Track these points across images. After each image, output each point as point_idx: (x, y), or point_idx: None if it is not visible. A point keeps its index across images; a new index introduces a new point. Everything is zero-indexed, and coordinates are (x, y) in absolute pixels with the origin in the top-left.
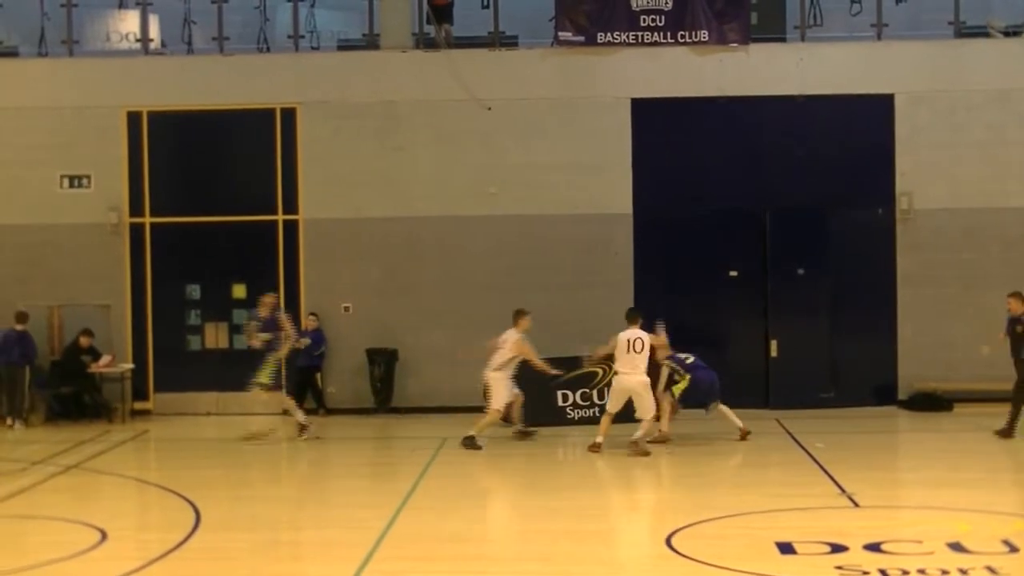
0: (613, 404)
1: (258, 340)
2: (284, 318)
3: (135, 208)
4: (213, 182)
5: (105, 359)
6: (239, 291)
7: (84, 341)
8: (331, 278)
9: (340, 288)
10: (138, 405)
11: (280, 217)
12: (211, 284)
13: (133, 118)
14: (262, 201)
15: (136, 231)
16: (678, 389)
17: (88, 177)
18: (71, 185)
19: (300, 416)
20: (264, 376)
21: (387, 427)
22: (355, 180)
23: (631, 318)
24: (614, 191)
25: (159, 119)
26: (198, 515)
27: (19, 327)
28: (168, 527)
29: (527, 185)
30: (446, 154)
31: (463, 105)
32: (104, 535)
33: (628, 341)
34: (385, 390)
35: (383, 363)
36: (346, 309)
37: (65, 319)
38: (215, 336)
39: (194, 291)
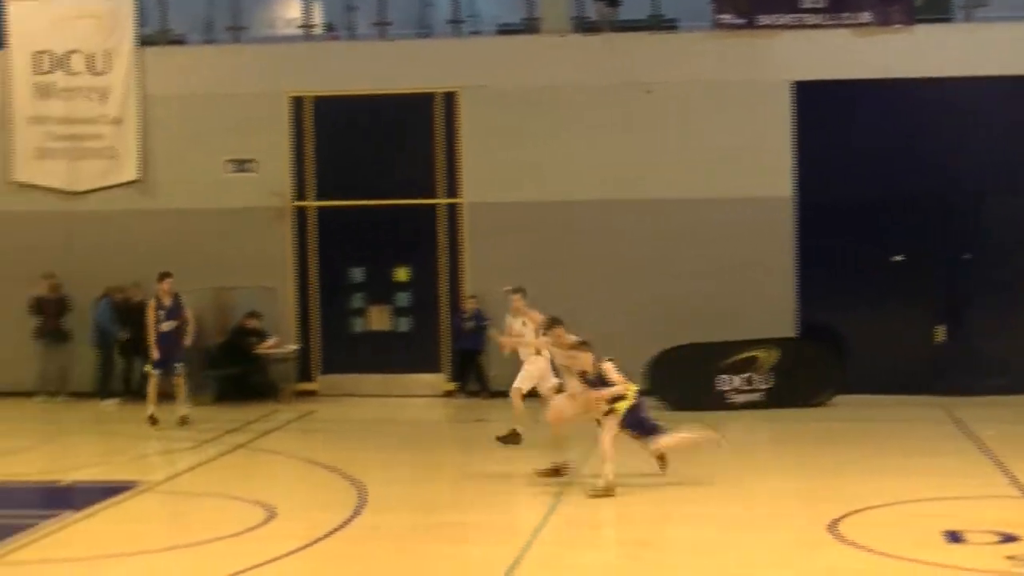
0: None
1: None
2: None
3: (299, 192)
4: (375, 166)
5: (271, 340)
6: (402, 274)
7: (250, 323)
8: (492, 261)
9: (501, 271)
10: (304, 386)
11: (442, 200)
12: (374, 267)
13: (297, 103)
14: (424, 185)
15: (300, 215)
16: (623, 407)
17: (254, 162)
18: (237, 170)
19: None
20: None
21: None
22: (515, 164)
23: None
24: (774, 175)
25: (322, 104)
26: (363, 495)
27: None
28: (334, 507)
29: (685, 169)
30: (605, 138)
31: (622, 88)
32: (271, 513)
33: None
34: None
35: None
36: (508, 292)
37: (231, 301)
38: (378, 318)
39: (357, 274)
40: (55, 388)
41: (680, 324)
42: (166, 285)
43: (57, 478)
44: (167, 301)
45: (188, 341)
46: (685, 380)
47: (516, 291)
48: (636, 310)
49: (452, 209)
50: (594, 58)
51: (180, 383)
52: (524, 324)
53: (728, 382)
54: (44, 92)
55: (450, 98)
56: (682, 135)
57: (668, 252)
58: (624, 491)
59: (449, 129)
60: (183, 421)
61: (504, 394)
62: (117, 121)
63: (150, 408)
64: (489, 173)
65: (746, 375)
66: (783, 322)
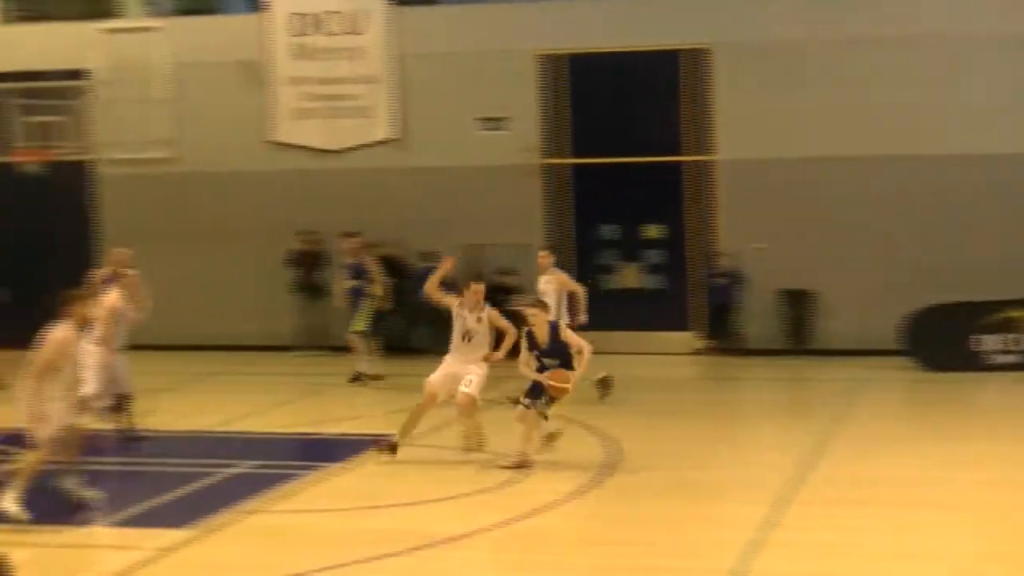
0: None
1: (345, 286)
2: (371, 262)
3: (549, 149)
4: (625, 123)
5: (525, 298)
6: (652, 231)
7: (505, 280)
8: (745, 218)
9: (753, 228)
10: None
11: (694, 157)
12: (625, 224)
13: (548, 61)
14: (675, 142)
15: (552, 172)
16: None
17: (506, 119)
18: (489, 128)
19: None
20: (360, 323)
21: (802, 369)
22: (768, 121)
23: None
24: None
25: (572, 61)
26: (616, 453)
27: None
28: (587, 464)
29: (946, 124)
30: (860, 94)
31: (876, 42)
32: (526, 469)
33: None
34: (800, 331)
35: (798, 304)
36: (759, 250)
37: (485, 258)
38: (629, 275)
39: (608, 231)
40: (311, 342)
41: (936, 284)
42: (349, 244)
43: (317, 431)
44: (350, 260)
45: (376, 302)
46: (941, 340)
47: (545, 249)
48: (891, 269)
49: (705, 166)
50: (847, 9)
51: (352, 340)
52: (547, 283)
53: (986, 343)
54: (302, 53)
55: (702, 54)
56: (943, 89)
57: (926, 209)
58: (879, 453)
59: (701, 86)
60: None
61: (759, 352)
62: (372, 80)
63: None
64: (743, 130)
65: (1006, 335)
66: None
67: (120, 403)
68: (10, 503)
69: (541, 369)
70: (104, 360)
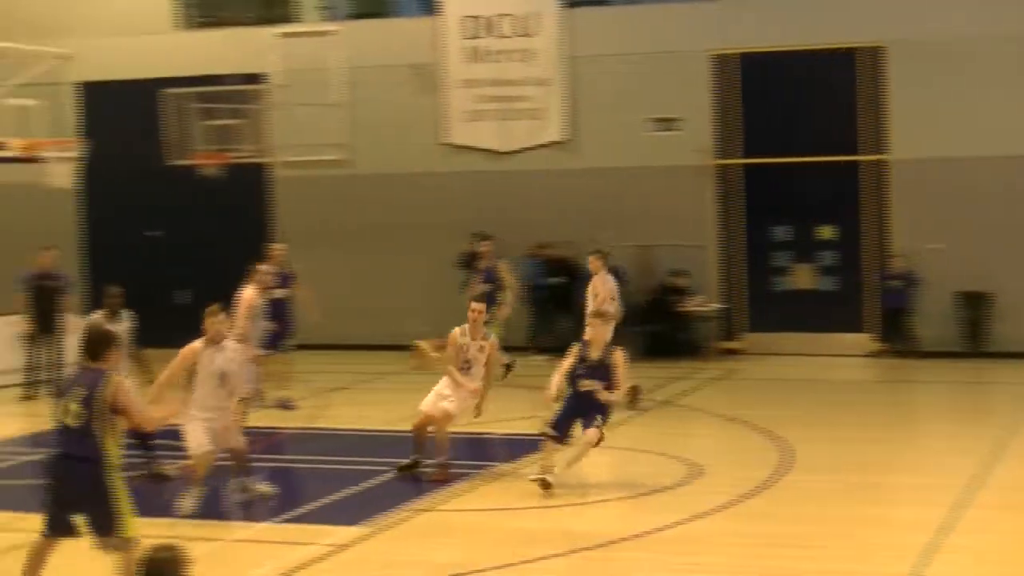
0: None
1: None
2: (503, 267)
3: (723, 150)
4: (798, 123)
5: (696, 299)
6: (826, 232)
7: (676, 281)
8: (920, 219)
9: (929, 229)
10: (727, 344)
11: (868, 157)
12: (798, 225)
13: (720, 61)
14: (849, 141)
15: (724, 172)
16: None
17: (677, 120)
18: (661, 129)
19: None
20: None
21: (979, 372)
22: (944, 119)
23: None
24: None
25: (744, 61)
26: (787, 454)
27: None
28: (758, 465)
29: None
30: None
31: None
32: (697, 470)
33: None
34: (977, 334)
35: (975, 306)
36: (935, 250)
37: (656, 259)
38: (802, 277)
39: (781, 232)
40: None
41: None
42: (483, 248)
43: (491, 430)
44: (483, 264)
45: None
46: None
47: (594, 253)
48: None
49: (880, 166)
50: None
51: None
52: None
53: None
54: (474, 55)
55: (876, 53)
56: None
57: None
58: None
59: (875, 84)
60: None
61: (934, 355)
62: (543, 82)
63: None
64: (918, 129)
65: None
66: None
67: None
68: (188, 500)
69: (575, 382)
70: (248, 356)
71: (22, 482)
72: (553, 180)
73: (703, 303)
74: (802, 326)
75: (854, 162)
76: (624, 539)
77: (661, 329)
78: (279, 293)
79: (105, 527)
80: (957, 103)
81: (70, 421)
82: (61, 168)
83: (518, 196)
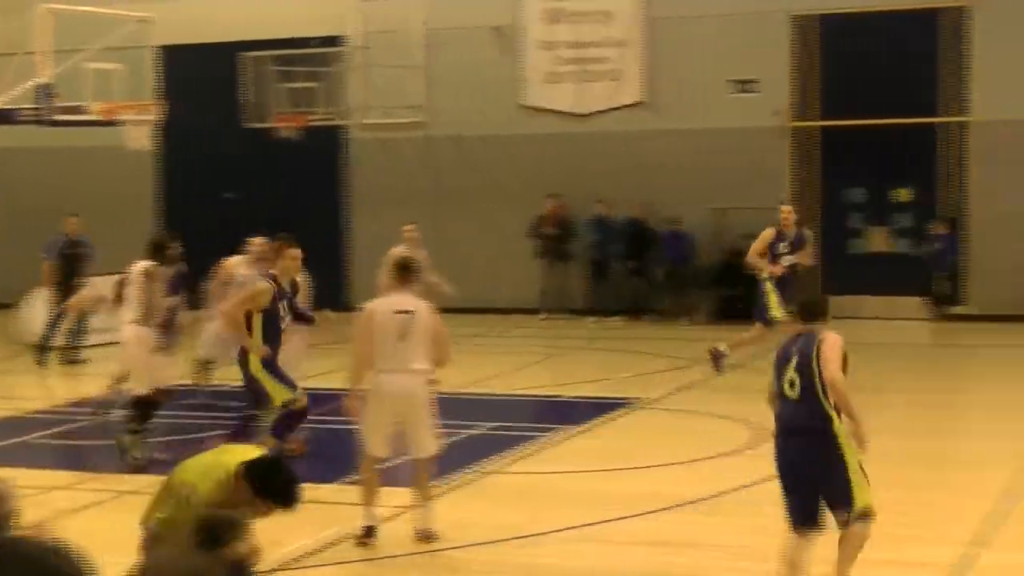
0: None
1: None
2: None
3: (800, 111)
4: (877, 85)
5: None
6: (903, 195)
7: (748, 244)
8: (1000, 180)
9: (1009, 191)
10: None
11: (946, 119)
12: (874, 187)
13: (799, 22)
14: (928, 103)
15: (801, 134)
16: None
17: (756, 82)
18: (739, 90)
19: None
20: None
21: None
22: None
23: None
24: None
25: (824, 22)
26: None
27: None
28: None
29: None
30: None
31: None
32: (762, 433)
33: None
34: None
35: None
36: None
37: (731, 222)
38: (879, 240)
39: (857, 194)
40: (557, 305)
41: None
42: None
43: (559, 393)
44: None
45: None
46: None
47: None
48: None
49: (957, 128)
50: None
51: None
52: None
53: None
54: (553, 17)
55: (960, 12)
56: None
57: None
58: None
59: (957, 45)
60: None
61: (1006, 318)
62: (622, 43)
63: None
64: (999, 90)
65: None
66: None
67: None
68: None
69: None
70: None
71: (89, 443)
72: (630, 142)
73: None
74: (877, 289)
75: (932, 124)
76: (690, 502)
77: (734, 292)
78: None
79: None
80: None
81: None
82: (139, 131)
83: (595, 158)
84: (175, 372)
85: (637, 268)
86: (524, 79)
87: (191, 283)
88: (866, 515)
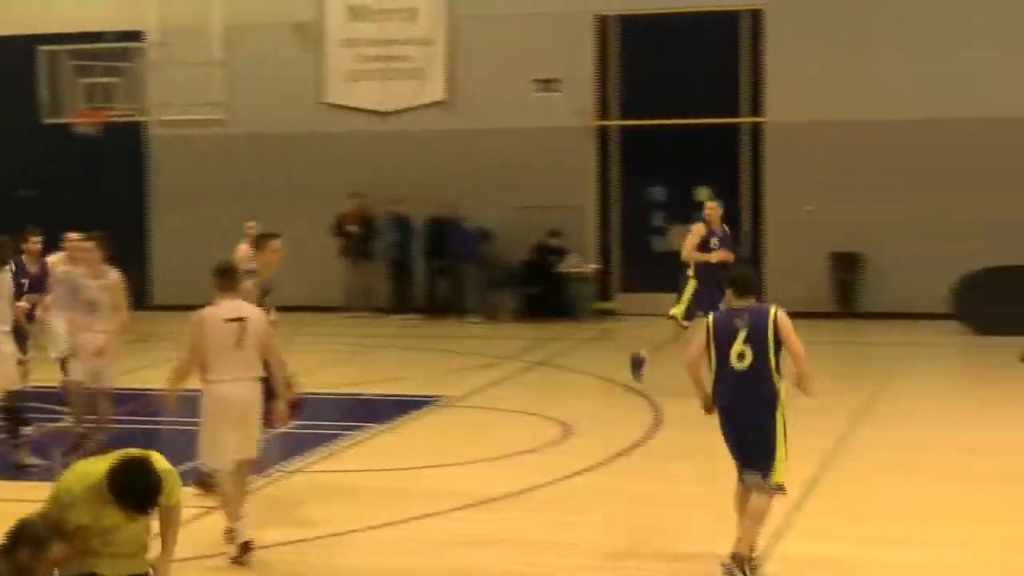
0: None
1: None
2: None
3: (604, 111)
4: (678, 84)
5: (572, 259)
6: (702, 194)
7: (551, 242)
8: (795, 181)
9: (803, 191)
10: (603, 305)
11: (744, 119)
12: (675, 186)
13: (602, 22)
14: (727, 104)
15: (603, 134)
16: None
17: (558, 81)
18: (542, 90)
19: None
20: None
21: (849, 332)
22: (822, 83)
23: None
24: None
25: (627, 23)
26: (659, 414)
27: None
28: (630, 424)
29: (1007, 85)
30: (917, 54)
31: (932, 4)
32: (568, 430)
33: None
34: (849, 294)
35: (847, 267)
36: (809, 212)
37: (534, 220)
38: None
39: (658, 193)
40: (359, 304)
41: (992, 247)
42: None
43: (361, 391)
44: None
45: None
46: (996, 303)
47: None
48: (942, 232)
49: (755, 128)
50: None
51: None
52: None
53: None
54: (357, 14)
55: (756, 15)
56: (1002, 48)
57: (982, 173)
58: (924, 416)
59: (754, 47)
60: None
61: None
62: (426, 42)
63: None
64: (795, 92)
65: None
66: None
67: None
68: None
69: None
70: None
71: None
72: (434, 141)
73: (579, 264)
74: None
75: (732, 124)
76: (496, 499)
77: (538, 290)
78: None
79: None
80: (831, 67)
81: None
82: None
83: (399, 157)
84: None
85: (440, 267)
86: (326, 77)
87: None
88: (779, 489)
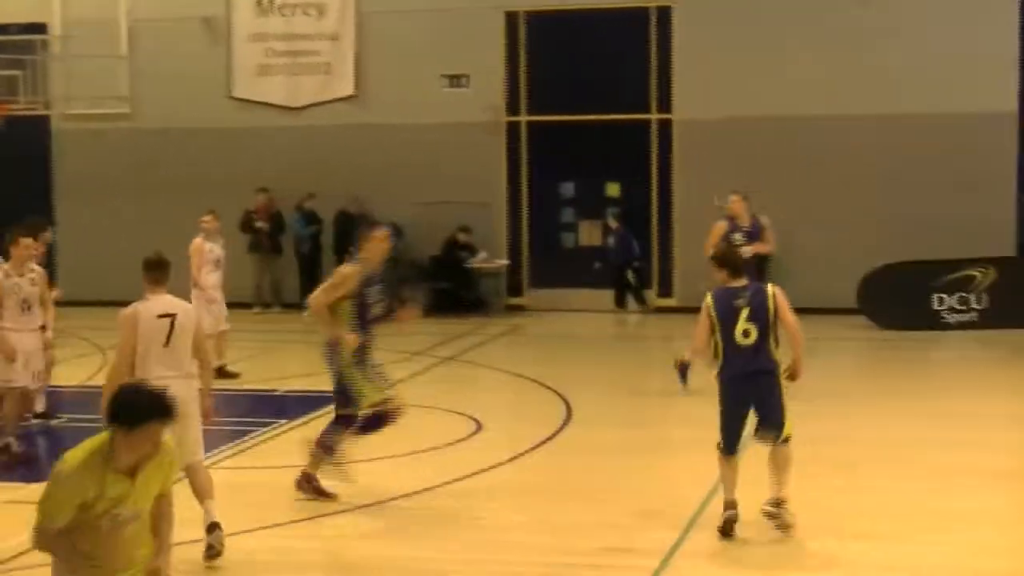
0: None
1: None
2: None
3: (512, 107)
4: (587, 81)
5: (481, 255)
6: (612, 190)
7: (461, 237)
8: (703, 177)
9: (711, 187)
10: (513, 300)
11: (653, 116)
12: (585, 182)
13: (511, 18)
14: (637, 101)
15: (513, 130)
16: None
17: (468, 77)
18: (451, 85)
19: None
20: None
21: None
22: (729, 80)
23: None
24: (996, 90)
25: (536, 19)
26: (568, 409)
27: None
28: (540, 420)
29: (907, 84)
30: (822, 52)
31: (839, 2)
32: (479, 425)
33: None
34: None
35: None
36: (719, 208)
37: (443, 216)
38: (589, 234)
39: (568, 189)
40: (269, 299)
41: (896, 243)
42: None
43: (272, 387)
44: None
45: None
46: (898, 298)
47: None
48: (848, 227)
49: (663, 124)
50: None
51: None
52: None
53: (943, 301)
54: (264, 9)
55: (664, 12)
56: (905, 47)
57: (885, 169)
58: (828, 410)
59: (662, 44)
60: None
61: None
62: (334, 37)
63: None
64: (702, 89)
65: (961, 294)
66: (1003, 242)
67: None
68: None
69: None
70: None
71: None
72: (343, 136)
73: (488, 260)
74: (586, 283)
75: (642, 121)
76: (406, 495)
77: (446, 285)
78: None
79: None
80: (739, 63)
81: None
82: None
83: (307, 152)
84: None
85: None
86: (234, 71)
87: None
88: (788, 439)
